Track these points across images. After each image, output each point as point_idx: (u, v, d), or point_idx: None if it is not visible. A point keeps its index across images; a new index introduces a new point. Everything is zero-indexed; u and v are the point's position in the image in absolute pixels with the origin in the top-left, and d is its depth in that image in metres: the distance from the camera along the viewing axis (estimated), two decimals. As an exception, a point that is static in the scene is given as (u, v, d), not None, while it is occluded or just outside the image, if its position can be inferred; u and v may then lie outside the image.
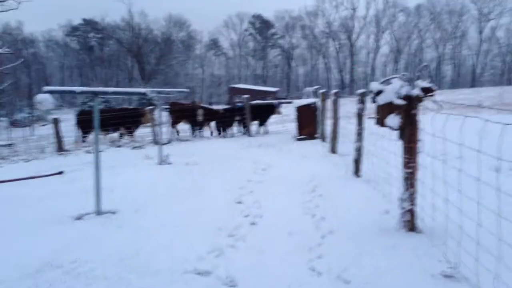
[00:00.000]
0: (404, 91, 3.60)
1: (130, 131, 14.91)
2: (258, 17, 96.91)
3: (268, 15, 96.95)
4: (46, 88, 5.02)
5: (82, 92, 5.38)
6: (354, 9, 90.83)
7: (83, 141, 14.77)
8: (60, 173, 2.80)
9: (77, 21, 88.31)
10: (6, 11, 24.85)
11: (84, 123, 14.43)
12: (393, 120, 3.71)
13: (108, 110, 14.69)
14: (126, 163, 9.46)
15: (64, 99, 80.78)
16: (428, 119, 3.69)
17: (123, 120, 14.06)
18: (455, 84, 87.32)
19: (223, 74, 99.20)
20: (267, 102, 14.72)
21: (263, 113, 15.00)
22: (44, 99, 4.71)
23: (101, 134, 14.89)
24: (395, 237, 3.75)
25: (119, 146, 13.36)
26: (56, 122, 13.18)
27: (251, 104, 14.38)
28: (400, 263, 3.25)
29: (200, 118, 14.59)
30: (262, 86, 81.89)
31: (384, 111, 3.84)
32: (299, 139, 11.87)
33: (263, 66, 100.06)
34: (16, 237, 4.52)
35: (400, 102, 3.61)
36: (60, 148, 12.95)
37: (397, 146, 4.20)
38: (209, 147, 11.69)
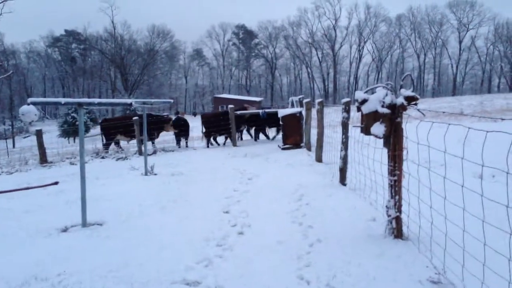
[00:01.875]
0: (389, 100, 3.66)
1: (152, 137, 14.90)
2: (241, 27, 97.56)
3: (252, 25, 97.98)
4: (30, 99, 4.98)
5: (67, 103, 5.34)
6: (336, 19, 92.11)
7: (106, 149, 14.77)
8: (56, 183, 2.78)
9: (59, 32, 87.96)
10: (-14, 22, 24.60)
11: (108, 130, 14.45)
12: (378, 128, 3.76)
13: (131, 116, 14.75)
14: (112, 175, 9.39)
15: (46, 110, 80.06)
16: (412, 127, 3.76)
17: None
18: (437, 92, 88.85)
19: (207, 84, 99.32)
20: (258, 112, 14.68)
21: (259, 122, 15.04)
22: (28, 111, 4.65)
23: (125, 140, 14.89)
24: (382, 244, 3.79)
25: (103, 158, 13.24)
26: (39, 133, 13.02)
27: (241, 113, 14.38)
28: (388, 270, 3.28)
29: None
30: (246, 96, 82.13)
31: (369, 119, 3.89)
32: (284, 148, 11.90)
33: (247, 76, 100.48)
34: (1, 250, 4.45)
35: (385, 110, 3.67)
36: (44, 159, 12.78)
37: (382, 154, 4.26)
38: (195, 157, 11.66)
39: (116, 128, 14.68)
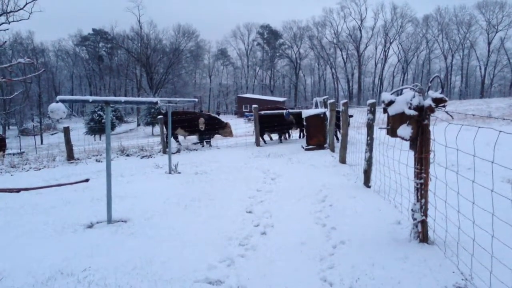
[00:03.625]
0: (416, 101, 3.60)
1: (208, 138, 15.26)
2: (266, 27, 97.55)
3: (276, 25, 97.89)
4: (59, 97, 5.07)
5: (95, 101, 5.43)
6: (362, 20, 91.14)
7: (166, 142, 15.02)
8: (86, 180, 2.84)
9: (87, 31, 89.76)
10: (17, 21, 25.25)
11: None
12: (405, 130, 3.70)
13: (191, 113, 15.23)
14: (136, 172, 9.51)
15: (73, 108, 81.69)
16: (439, 130, 3.69)
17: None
18: (464, 94, 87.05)
19: (230, 84, 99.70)
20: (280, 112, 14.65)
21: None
22: (56, 108, 4.73)
23: (183, 135, 15.28)
24: (407, 248, 3.73)
25: (128, 155, 13.42)
26: (66, 130, 13.27)
27: (265, 113, 14.40)
28: (412, 274, 3.23)
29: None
30: (270, 96, 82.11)
31: (395, 121, 3.84)
32: (307, 149, 11.85)
33: (271, 76, 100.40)
34: (28, 245, 4.55)
35: (412, 112, 3.62)
36: (71, 156, 13.03)
37: (408, 157, 4.19)
38: (218, 157, 11.70)
39: (177, 122, 14.96)
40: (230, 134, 15.46)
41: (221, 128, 15.23)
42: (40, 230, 5.07)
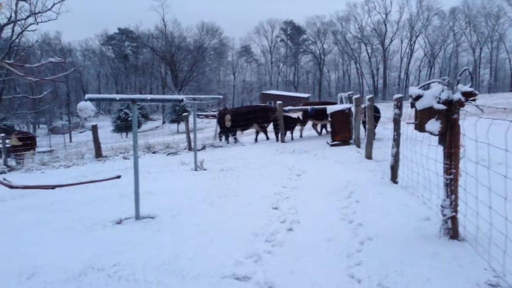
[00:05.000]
0: (445, 95, 3.54)
1: (263, 126, 15.45)
2: (289, 23, 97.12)
3: (300, 21, 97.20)
4: (88, 95, 5.17)
5: (122, 99, 5.51)
6: (386, 14, 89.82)
7: (220, 139, 15.47)
8: (118, 177, 2.91)
9: (112, 30, 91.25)
10: (45, 21, 25.82)
11: (223, 122, 15.04)
12: (433, 125, 3.64)
13: (245, 107, 15.50)
14: (163, 169, 9.63)
15: (100, 106, 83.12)
16: (468, 124, 3.62)
17: (256, 116, 15.01)
18: (493, 88, 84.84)
19: (254, 81, 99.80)
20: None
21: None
22: (85, 107, 4.82)
23: (239, 130, 15.55)
24: (437, 245, 3.66)
25: (154, 153, 13.59)
26: (94, 128, 13.53)
27: (289, 109, 14.41)
28: (443, 271, 3.18)
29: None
30: (294, 92, 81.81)
31: (423, 116, 3.78)
32: (333, 145, 11.77)
33: (295, 72, 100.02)
34: (60, 241, 4.66)
35: (441, 107, 3.55)
36: (99, 154, 13.28)
37: (436, 152, 4.12)
38: (243, 153, 11.74)
39: (237, 117, 15.15)
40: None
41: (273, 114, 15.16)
42: (71, 227, 5.18)
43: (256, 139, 15.44)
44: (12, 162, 14.70)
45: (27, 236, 4.93)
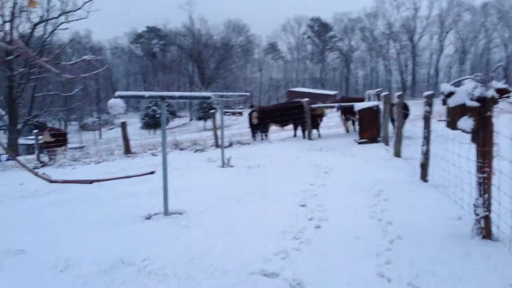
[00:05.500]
0: (478, 92, 3.46)
1: (303, 121, 15.13)
2: (316, 20, 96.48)
3: (327, 17, 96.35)
4: (118, 93, 5.27)
5: (151, 97, 5.61)
6: (416, 9, 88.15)
7: (254, 138, 15.46)
8: (152, 172, 2.97)
9: (141, 28, 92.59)
10: (76, 20, 26.38)
11: (260, 118, 15.05)
12: (466, 122, 3.57)
13: (284, 103, 15.50)
14: (190, 166, 9.72)
15: (129, 103, 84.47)
16: (503, 122, 3.53)
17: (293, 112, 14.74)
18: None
19: (281, 78, 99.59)
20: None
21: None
22: (115, 104, 4.91)
23: (277, 126, 15.63)
24: (469, 244, 3.59)
25: (181, 149, 13.73)
26: (124, 125, 13.77)
27: (316, 106, 14.27)
28: (475, 271, 3.12)
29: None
30: (321, 90, 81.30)
31: (455, 113, 3.71)
32: (360, 142, 11.65)
33: (321, 69, 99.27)
34: (93, 235, 4.77)
35: (474, 104, 3.48)
36: (128, 150, 13.51)
37: (468, 150, 4.04)
38: (270, 150, 11.73)
39: (270, 114, 15.24)
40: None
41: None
42: (102, 221, 5.29)
43: (295, 135, 15.33)
44: (44, 157, 15.13)
45: (61, 231, 5.06)
